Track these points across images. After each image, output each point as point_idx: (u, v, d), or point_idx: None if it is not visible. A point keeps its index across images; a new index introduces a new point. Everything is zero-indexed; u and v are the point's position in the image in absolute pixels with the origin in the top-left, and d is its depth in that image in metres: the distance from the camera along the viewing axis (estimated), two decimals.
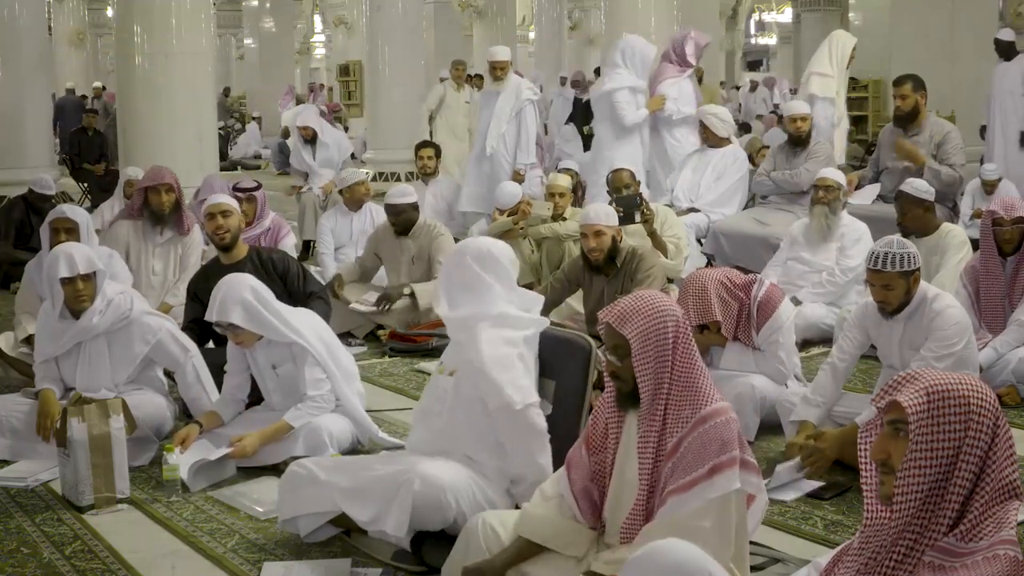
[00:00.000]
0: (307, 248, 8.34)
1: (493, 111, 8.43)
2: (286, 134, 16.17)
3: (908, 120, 6.84)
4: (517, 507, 3.07)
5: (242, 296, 3.92)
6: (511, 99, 8.37)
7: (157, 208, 5.73)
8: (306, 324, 4.09)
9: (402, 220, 6.20)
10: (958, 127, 8.23)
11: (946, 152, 6.71)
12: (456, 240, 6.81)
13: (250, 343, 4.01)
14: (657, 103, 8.08)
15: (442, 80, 12.13)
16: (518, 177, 8.27)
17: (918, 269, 3.93)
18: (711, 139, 7.74)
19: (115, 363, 4.23)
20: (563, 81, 14.70)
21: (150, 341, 4.23)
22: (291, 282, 4.76)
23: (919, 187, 5.51)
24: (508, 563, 2.69)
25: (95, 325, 4.17)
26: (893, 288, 3.91)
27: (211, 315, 3.94)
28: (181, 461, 3.80)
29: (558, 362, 3.32)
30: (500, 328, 3.18)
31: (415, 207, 6.33)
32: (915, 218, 5.45)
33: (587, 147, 12.60)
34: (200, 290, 4.67)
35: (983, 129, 8.95)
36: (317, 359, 4.00)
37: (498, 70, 8.52)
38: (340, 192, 7.33)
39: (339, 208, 7.21)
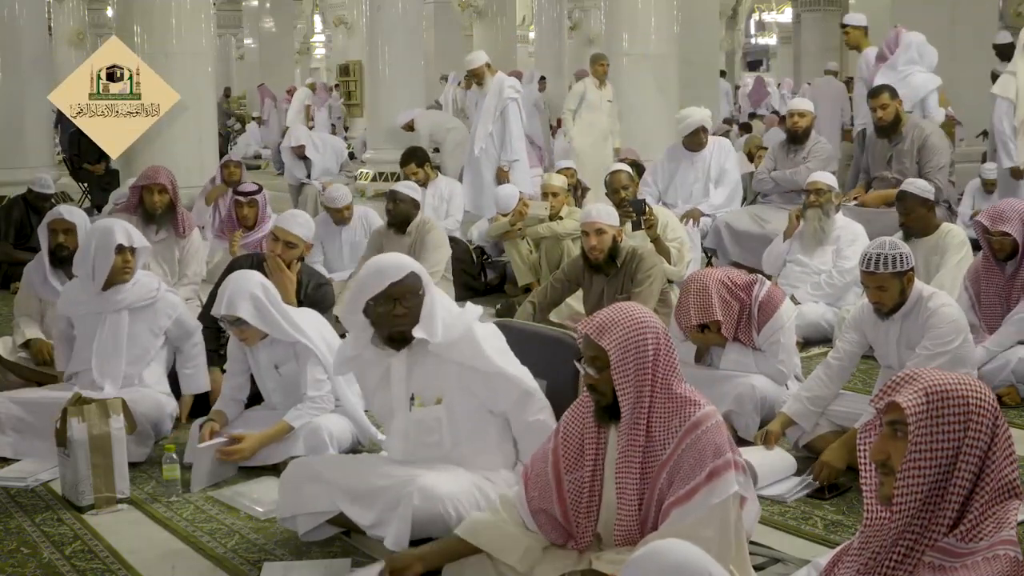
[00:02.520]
0: None
1: (480, 112, 8.50)
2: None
3: (891, 130, 6.78)
4: None
5: (251, 292, 3.94)
6: (495, 98, 8.41)
7: (149, 208, 5.75)
8: (310, 324, 4.10)
9: (400, 210, 6.26)
10: (957, 127, 8.26)
11: (926, 158, 6.66)
12: (451, 238, 6.84)
13: (254, 341, 4.02)
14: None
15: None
16: (502, 174, 8.26)
17: (911, 269, 3.93)
18: (695, 143, 7.49)
19: (132, 339, 4.32)
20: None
21: (171, 315, 4.41)
22: None
23: (922, 187, 5.50)
24: (434, 555, 2.72)
25: (120, 299, 4.30)
26: (887, 289, 3.91)
27: (219, 309, 3.95)
28: (196, 457, 3.85)
29: (549, 362, 3.30)
30: (480, 326, 3.16)
31: (416, 204, 6.37)
32: (919, 218, 5.45)
33: None
34: None
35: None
36: (320, 359, 4.00)
37: (473, 77, 8.59)
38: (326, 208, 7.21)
39: (328, 218, 7.04)
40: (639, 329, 2.52)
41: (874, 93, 6.86)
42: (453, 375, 3.12)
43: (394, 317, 3.07)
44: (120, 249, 4.26)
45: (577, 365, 2.65)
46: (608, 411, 2.58)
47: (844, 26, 8.63)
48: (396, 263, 3.14)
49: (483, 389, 3.12)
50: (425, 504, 3.01)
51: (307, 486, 3.23)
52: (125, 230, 4.33)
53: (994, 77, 9.81)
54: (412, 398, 3.16)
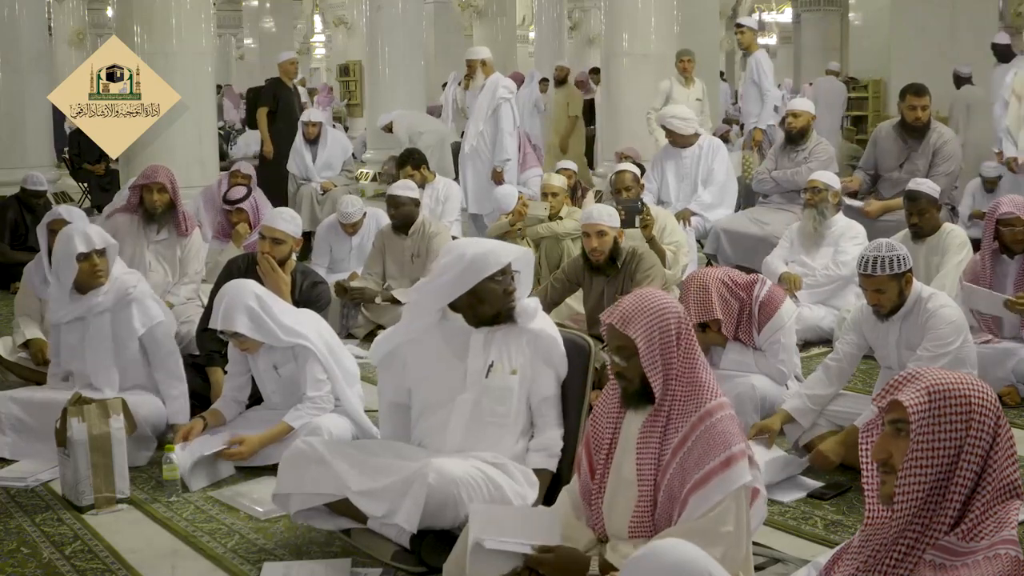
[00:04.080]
0: (308, 240, 8.29)
1: (473, 110, 8.53)
2: None
3: (922, 132, 6.75)
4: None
5: (247, 304, 3.92)
6: (488, 98, 8.42)
7: (149, 207, 5.72)
8: (309, 325, 4.10)
9: (402, 213, 6.28)
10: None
11: (938, 160, 6.65)
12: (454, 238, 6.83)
13: (255, 349, 4.03)
14: None
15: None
16: (497, 176, 8.25)
17: (909, 270, 3.92)
18: (679, 140, 7.53)
19: (118, 342, 4.26)
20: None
21: (147, 324, 4.26)
22: None
23: (932, 186, 5.50)
24: None
25: (100, 302, 4.23)
26: (885, 291, 3.91)
27: (215, 323, 3.94)
28: (182, 457, 3.82)
29: None
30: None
31: (416, 203, 6.38)
32: (931, 218, 5.45)
33: (588, 146, 12.60)
34: None
35: None
36: (319, 359, 4.00)
37: (469, 68, 8.58)
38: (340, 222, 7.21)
39: (336, 224, 7.04)
40: (663, 315, 2.58)
41: (920, 91, 6.78)
42: (528, 346, 3.25)
43: (508, 294, 3.23)
44: (84, 256, 4.16)
45: (603, 355, 2.68)
46: (636, 396, 2.62)
47: (739, 26, 9.19)
48: (499, 243, 3.36)
49: (556, 354, 3.26)
50: (439, 485, 3.01)
51: (312, 468, 3.21)
52: (84, 235, 4.18)
53: (956, 77, 9.86)
54: (491, 366, 3.25)
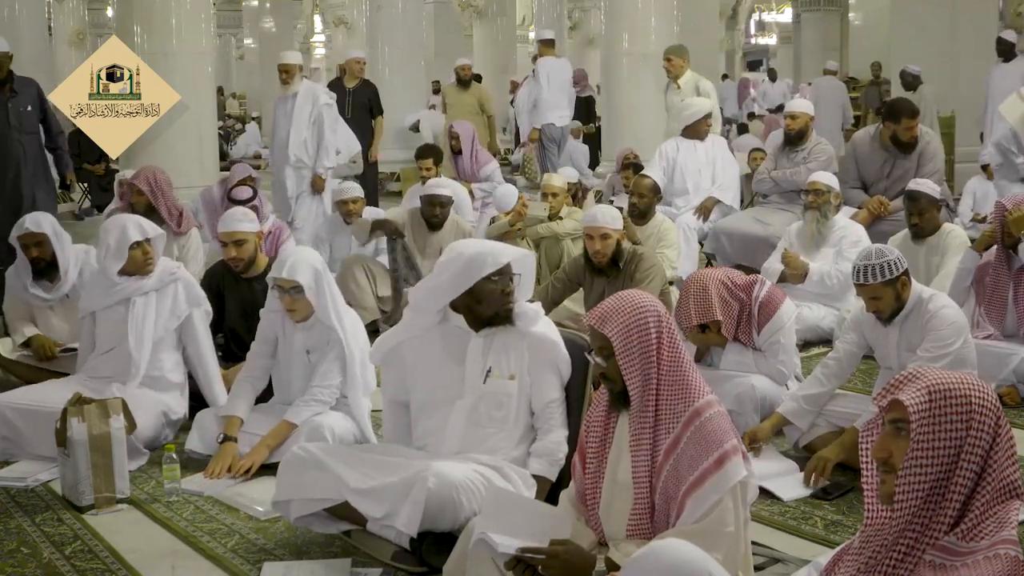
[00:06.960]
0: None
1: (292, 118, 7.99)
2: None
3: (912, 147, 6.76)
4: None
5: (314, 264, 3.98)
6: (307, 105, 7.99)
7: (136, 206, 5.76)
8: (350, 324, 4.11)
9: (445, 214, 6.33)
10: (958, 127, 8.21)
11: (924, 161, 6.63)
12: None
13: (301, 315, 4.01)
14: None
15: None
16: (319, 183, 7.89)
17: (904, 273, 3.89)
18: (706, 133, 7.63)
19: (160, 316, 4.38)
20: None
21: (193, 304, 4.44)
22: None
23: (932, 187, 5.50)
24: None
25: (144, 284, 4.37)
26: (881, 297, 3.90)
27: (278, 272, 3.94)
28: (205, 486, 3.83)
29: None
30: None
31: (451, 202, 6.42)
32: (931, 218, 5.45)
33: (594, 148, 12.63)
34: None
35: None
36: (344, 359, 4.01)
37: (283, 74, 8.11)
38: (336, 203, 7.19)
39: (337, 219, 7.04)
40: (640, 314, 2.56)
41: (915, 113, 6.78)
42: (528, 351, 3.25)
43: (506, 295, 3.22)
44: (136, 245, 4.32)
45: (588, 357, 2.68)
46: (621, 398, 2.62)
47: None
48: (498, 243, 3.38)
49: (558, 358, 3.26)
50: (439, 489, 3.00)
51: (310, 472, 3.20)
52: (137, 225, 4.39)
53: (909, 77, 9.85)
54: (489, 371, 3.26)
